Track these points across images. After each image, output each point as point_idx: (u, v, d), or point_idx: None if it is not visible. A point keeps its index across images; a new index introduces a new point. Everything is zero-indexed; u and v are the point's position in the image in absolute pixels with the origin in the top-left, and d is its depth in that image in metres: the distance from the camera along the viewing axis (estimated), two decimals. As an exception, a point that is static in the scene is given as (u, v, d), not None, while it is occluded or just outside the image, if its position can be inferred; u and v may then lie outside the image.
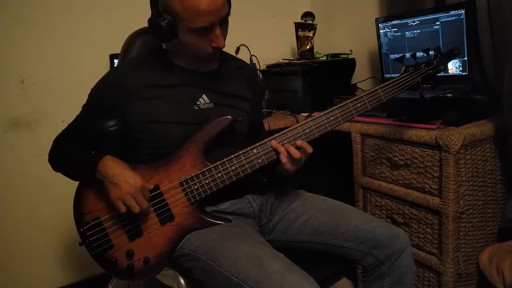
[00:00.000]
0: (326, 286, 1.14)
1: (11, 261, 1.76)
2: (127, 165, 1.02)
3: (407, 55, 1.13)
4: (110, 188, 1.00)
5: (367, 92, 1.07)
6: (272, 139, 1.03)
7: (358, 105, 1.06)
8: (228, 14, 1.00)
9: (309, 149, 1.04)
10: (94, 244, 1.05)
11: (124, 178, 0.99)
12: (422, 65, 1.10)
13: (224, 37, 1.02)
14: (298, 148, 1.03)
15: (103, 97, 1.10)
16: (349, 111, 1.06)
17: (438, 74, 1.13)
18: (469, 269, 1.38)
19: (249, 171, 1.04)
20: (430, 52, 1.11)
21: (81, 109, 1.14)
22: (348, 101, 1.06)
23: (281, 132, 1.04)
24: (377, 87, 1.08)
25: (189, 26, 0.96)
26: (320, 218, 1.11)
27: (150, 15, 1.00)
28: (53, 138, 1.15)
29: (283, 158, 1.02)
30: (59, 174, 1.13)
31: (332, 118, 1.05)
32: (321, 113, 1.05)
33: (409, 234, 1.42)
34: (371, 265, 1.08)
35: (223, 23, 1.00)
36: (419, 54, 1.11)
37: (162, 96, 1.07)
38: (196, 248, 1.00)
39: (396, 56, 1.22)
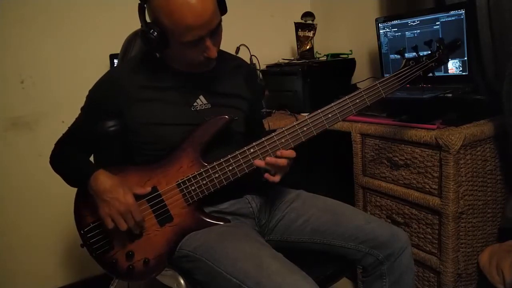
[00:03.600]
0: (326, 286, 1.13)
1: (11, 261, 1.76)
2: (118, 181, 1.01)
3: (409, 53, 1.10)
4: (100, 204, 1.00)
5: (366, 88, 1.04)
6: (269, 137, 1.02)
7: (357, 101, 1.03)
8: (219, 24, 0.99)
9: (292, 154, 1.01)
10: (95, 245, 1.05)
11: (115, 196, 0.98)
12: (424, 58, 1.07)
13: (218, 44, 1.02)
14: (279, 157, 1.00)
15: (101, 98, 1.10)
16: (348, 107, 1.03)
17: (438, 74, 1.12)
18: (469, 269, 1.38)
19: (246, 170, 1.03)
20: (432, 44, 1.07)
21: (79, 111, 1.14)
22: (346, 97, 1.03)
23: (279, 131, 1.03)
24: (377, 82, 1.04)
25: (179, 39, 0.95)
26: (320, 218, 1.11)
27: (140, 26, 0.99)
28: (53, 138, 1.15)
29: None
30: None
31: (330, 116, 1.02)
32: (319, 110, 1.02)
33: (409, 234, 1.42)
34: (371, 265, 1.08)
35: (215, 32, 0.99)
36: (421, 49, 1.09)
37: (159, 98, 1.07)
38: (195, 248, 1.00)
39: (396, 56, 1.22)
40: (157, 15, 0.94)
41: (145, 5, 0.97)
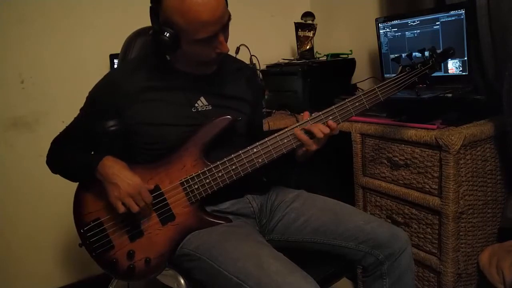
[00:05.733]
0: (326, 286, 1.14)
1: (11, 261, 1.76)
2: (126, 165, 1.02)
3: (403, 55, 1.15)
4: (109, 187, 1.00)
5: (365, 92, 1.09)
6: (272, 138, 1.04)
7: (357, 104, 1.08)
8: (229, 19, 1.00)
9: (326, 130, 1.03)
10: (95, 245, 1.05)
11: (123, 178, 0.99)
12: (418, 65, 1.12)
13: (227, 40, 1.03)
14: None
15: (101, 99, 1.10)
16: (348, 110, 1.07)
17: (438, 74, 1.14)
18: (469, 269, 1.38)
19: (249, 170, 1.04)
20: (425, 52, 1.13)
21: (79, 111, 1.14)
22: (346, 100, 1.07)
23: (281, 132, 1.04)
24: (375, 86, 1.09)
25: (193, 38, 0.96)
26: (320, 218, 1.11)
27: (151, 28, 0.99)
28: (53, 139, 1.15)
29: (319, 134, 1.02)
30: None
31: (331, 118, 1.06)
32: (320, 113, 1.06)
33: (409, 234, 1.42)
34: (371, 265, 1.08)
35: (226, 27, 1.00)
36: (415, 54, 1.13)
37: (160, 98, 1.07)
38: (196, 247, 1.00)
39: (396, 56, 1.23)
40: (170, 15, 0.94)
41: (157, 8, 0.97)
